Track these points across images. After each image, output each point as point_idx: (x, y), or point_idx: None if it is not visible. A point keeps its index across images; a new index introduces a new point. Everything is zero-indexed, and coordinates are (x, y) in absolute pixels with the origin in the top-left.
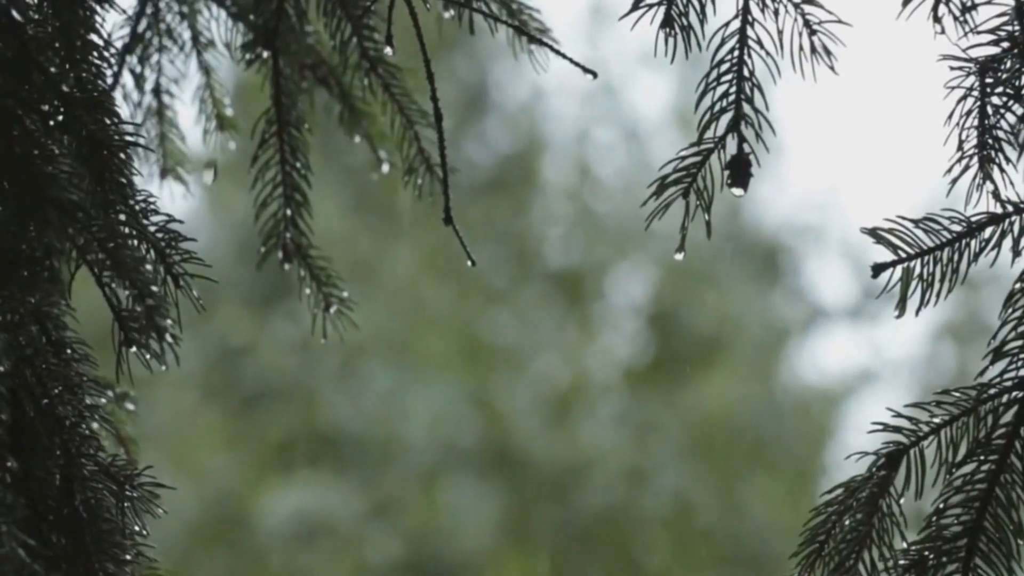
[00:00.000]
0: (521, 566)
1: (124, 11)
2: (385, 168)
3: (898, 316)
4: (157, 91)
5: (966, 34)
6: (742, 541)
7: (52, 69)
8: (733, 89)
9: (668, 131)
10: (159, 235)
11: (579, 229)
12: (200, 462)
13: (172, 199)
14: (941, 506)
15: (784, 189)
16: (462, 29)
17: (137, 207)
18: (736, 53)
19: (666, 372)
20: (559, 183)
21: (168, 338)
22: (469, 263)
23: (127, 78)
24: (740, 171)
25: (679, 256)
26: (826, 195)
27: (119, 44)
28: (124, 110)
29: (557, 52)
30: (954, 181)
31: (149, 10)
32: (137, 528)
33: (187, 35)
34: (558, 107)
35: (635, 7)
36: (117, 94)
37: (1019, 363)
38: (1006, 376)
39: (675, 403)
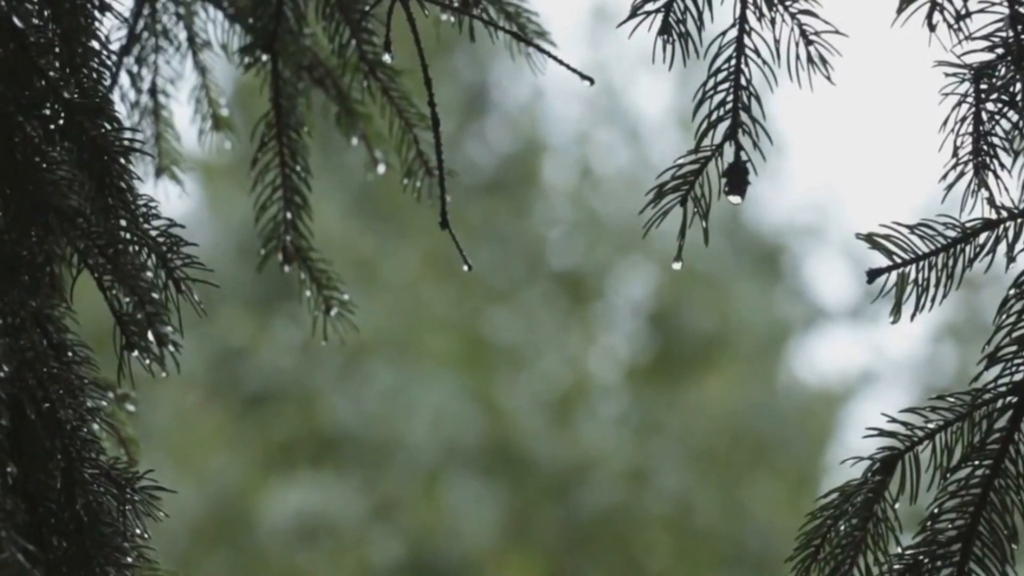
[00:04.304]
0: (522, 566)
1: (121, 15)
2: (382, 169)
3: (893, 321)
4: (153, 91)
5: (961, 41)
6: (743, 542)
7: (53, 75)
8: (730, 98)
9: (669, 132)
10: (160, 240)
11: (580, 229)
12: (202, 462)
13: (167, 199)
14: (936, 511)
15: (785, 190)
16: (462, 31)
17: (138, 212)
18: (733, 62)
19: (668, 372)
20: (560, 183)
21: (169, 345)
22: (466, 267)
23: (123, 79)
24: (737, 179)
25: (676, 266)
26: (827, 196)
27: (116, 45)
28: (120, 110)
29: (555, 59)
30: (949, 187)
31: (146, 11)
32: (138, 531)
33: (183, 36)
34: (559, 107)
35: (633, 14)
36: (114, 95)
37: (1013, 368)
38: (1001, 381)
39: (677, 403)
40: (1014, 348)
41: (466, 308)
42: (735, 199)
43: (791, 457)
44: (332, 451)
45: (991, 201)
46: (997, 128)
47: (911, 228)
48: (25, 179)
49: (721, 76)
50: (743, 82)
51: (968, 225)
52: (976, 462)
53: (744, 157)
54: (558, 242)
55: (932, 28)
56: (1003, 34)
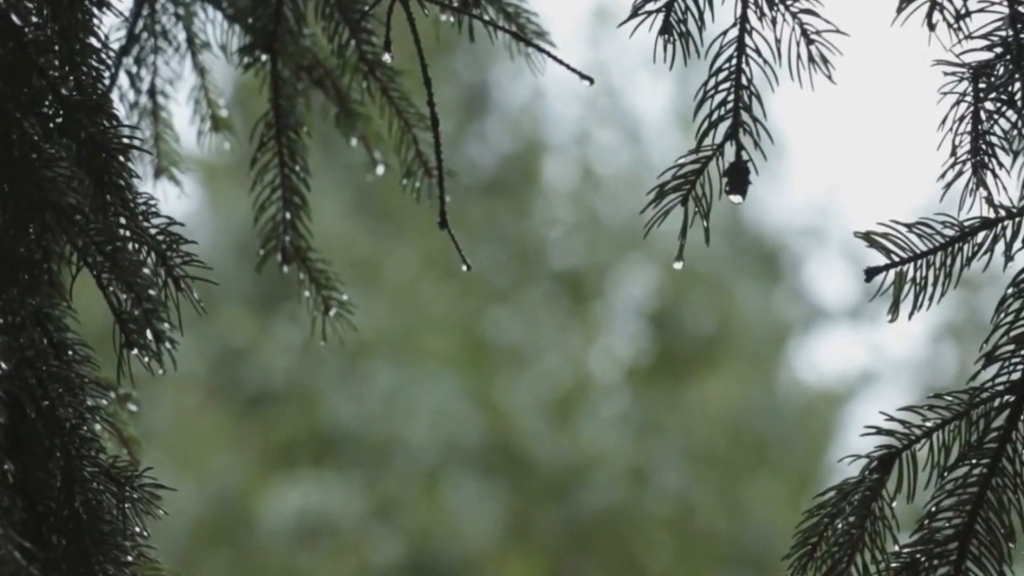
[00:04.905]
0: (523, 566)
1: (121, 13)
2: (381, 169)
3: (891, 320)
4: (152, 92)
5: (960, 40)
6: (744, 542)
7: (51, 72)
8: (731, 97)
9: (669, 132)
10: (160, 238)
11: (581, 229)
12: (203, 462)
13: (166, 200)
14: (933, 509)
15: (785, 190)
16: (462, 31)
17: (137, 210)
18: (734, 61)
19: (668, 372)
20: (560, 184)
21: (167, 343)
22: (464, 267)
23: (123, 79)
24: (738, 179)
25: (677, 265)
26: (827, 196)
27: (115, 46)
28: (120, 111)
29: (555, 59)
30: (948, 186)
31: (145, 12)
32: (138, 529)
33: (182, 36)
34: (559, 108)
35: (634, 13)
36: (113, 95)
37: (1011, 367)
38: (998, 380)
39: (677, 403)
40: (1012, 347)
41: (466, 308)
42: (736, 199)
43: (791, 457)
44: (332, 451)
45: (989, 200)
46: (995, 127)
47: (909, 227)
48: (24, 176)
49: (722, 76)
50: (744, 81)
51: (966, 224)
52: (973, 461)
53: (745, 157)
54: (558, 242)
55: (932, 27)
56: (1002, 33)
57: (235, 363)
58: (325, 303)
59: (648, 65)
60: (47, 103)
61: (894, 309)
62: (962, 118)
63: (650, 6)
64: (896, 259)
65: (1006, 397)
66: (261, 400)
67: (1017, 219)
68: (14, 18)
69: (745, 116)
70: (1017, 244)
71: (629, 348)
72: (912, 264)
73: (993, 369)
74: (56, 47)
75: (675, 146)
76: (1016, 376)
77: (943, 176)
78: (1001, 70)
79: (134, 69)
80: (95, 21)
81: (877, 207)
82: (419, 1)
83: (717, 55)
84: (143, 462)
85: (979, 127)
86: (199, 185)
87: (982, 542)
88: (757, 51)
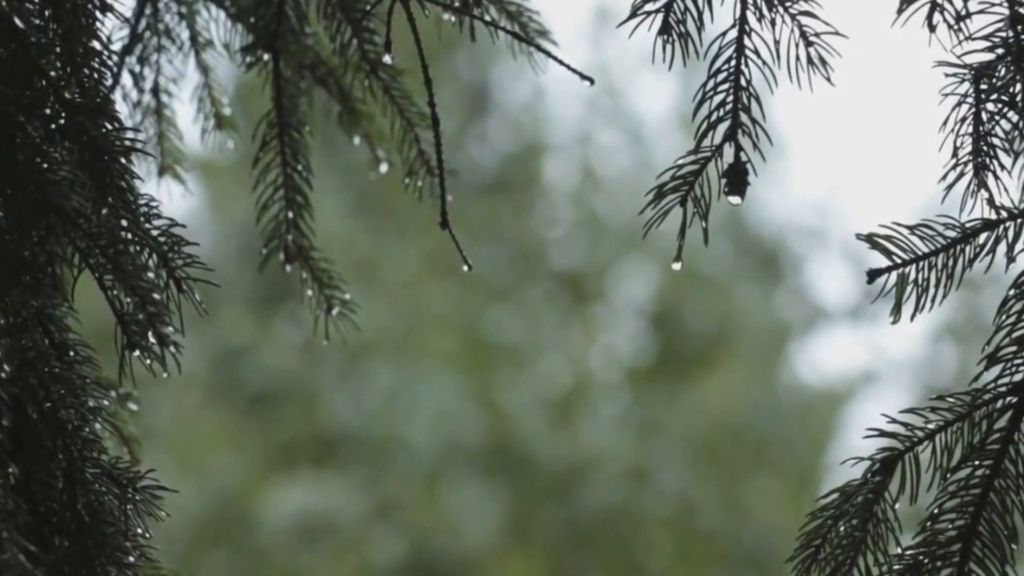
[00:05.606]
0: (523, 566)
1: (123, 15)
2: (384, 168)
3: (894, 321)
4: (156, 90)
5: (960, 41)
6: (744, 542)
7: (53, 75)
8: (730, 99)
9: (671, 133)
10: (161, 239)
11: (582, 229)
12: (203, 462)
13: (170, 199)
14: (936, 511)
15: (785, 191)
16: (463, 31)
17: (139, 212)
18: (733, 63)
19: (669, 372)
20: (561, 184)
21: (171, 346)
22: (465, 267)
23: (126, 78)
24: (737, 180)
25: (676, 266)
26: (827, 197)
27: (118, 45)
28: (123, 109)
29: (555, 59)
30: (949, 187)
31: (148, 11)
32: (140, 530)
33: (185, 35)
34: (560, 108)
35: (633, 14)
36: (116, 94)
37: (1013, 368)
38: (1000, 381)
39: (678, 403)
40: (1014, 348)
41: (467, 308)
42: (735, 200)
43: (791, 457)
44: (333, 451)
45: (991, 201)
46: (997, 128)
47: (911, 228)
48: (27, 180)
49: (721, 77)
50: (743, 83)
51: (968, 225)
52: (976, 462)
53: (744, 158)
54: (559, 242)
55: (932, 28)
56: (1003, 34)
57: (236, 363)
58: (327, 302)
59: (650, 65)
60: (49, 106)
61: (896, 311)
62: (963, 119)
63: (649, 6)
64: (898, 261)
65: (1008, 399)
66: (262, 400)
67: (1019, 220)
68: (16, 21)
69: (744, 117)
70: (1019, 245)
71: (629, 348)
72: (914, 266)
73: (995, 370)
74: (58, 50)
75: (676, 147)
76: (1018, 378)
77: (944, 177)
78: (1002, 71)
79: (137, 68)
80: (97, 24)
81: (878, 208)
82: (420, 1)
83: (716, 56)
84: (144, 462)
85: (980, 128)
86: (200, 185)
87: (985, 544)
88: (756, 52)
